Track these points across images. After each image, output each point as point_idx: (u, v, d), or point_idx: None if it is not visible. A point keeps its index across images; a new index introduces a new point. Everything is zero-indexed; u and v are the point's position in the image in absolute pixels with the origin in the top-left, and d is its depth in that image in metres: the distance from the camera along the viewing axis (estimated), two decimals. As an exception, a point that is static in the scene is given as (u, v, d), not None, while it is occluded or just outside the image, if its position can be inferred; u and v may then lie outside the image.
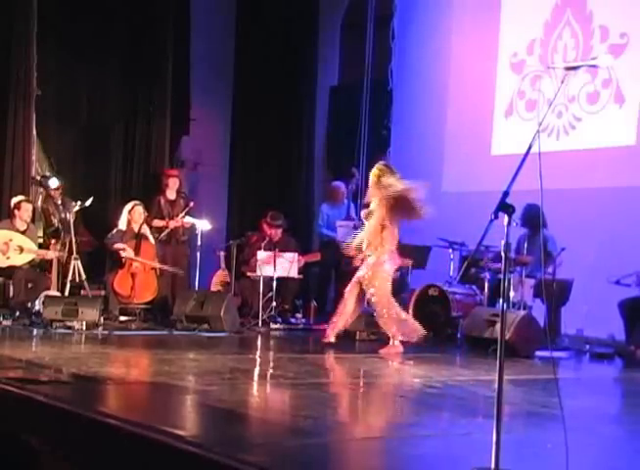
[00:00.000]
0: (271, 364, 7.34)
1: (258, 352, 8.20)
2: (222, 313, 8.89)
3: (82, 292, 9.58)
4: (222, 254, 10.98)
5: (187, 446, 3.68)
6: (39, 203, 10.76)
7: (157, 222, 10.33)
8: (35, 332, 8.40)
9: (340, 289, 8.43)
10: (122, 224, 9.81)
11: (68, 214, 9.77)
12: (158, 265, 9.70)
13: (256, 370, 6.86)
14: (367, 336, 8.85)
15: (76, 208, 9.90)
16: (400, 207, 7.75)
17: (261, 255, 9.84)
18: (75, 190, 10.77)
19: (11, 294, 9.23)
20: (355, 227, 10.58)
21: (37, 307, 9.07)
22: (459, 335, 8.81)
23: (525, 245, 8.87)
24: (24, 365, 6.04)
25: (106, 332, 8.51)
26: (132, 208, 9.87)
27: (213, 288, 10.76)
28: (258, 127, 12.77)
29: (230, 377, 6.05)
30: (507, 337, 7.35)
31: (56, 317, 8.52)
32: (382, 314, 7.83)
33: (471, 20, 11.56)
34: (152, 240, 9.88)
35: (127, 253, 9.63)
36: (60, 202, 10.27)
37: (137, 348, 7.93)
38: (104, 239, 9.97)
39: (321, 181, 12.74)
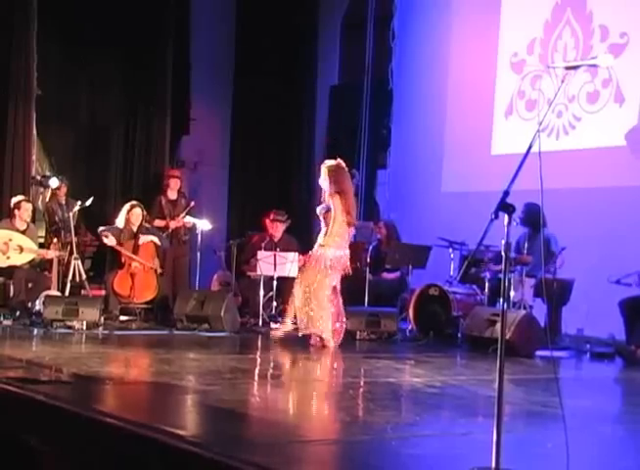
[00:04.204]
0: (271, 364, 7.34)
1: (259, 352, 8.20)
2: (222, 313, 8.89)
3: (82, 292, 9.58)
4: (223, 253, 10.98)
5: (187, 446, 3.68)
6: (40, 202, 10.79)
7: (158, 222, 10.33)
8: (36, 332, 8.40)
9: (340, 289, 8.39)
10: (120, 223, 9.81)
11: (68, 214, 9.78)
12: (139, 260, 9.61)
13: (257, 370, 6.86)
14: (367, 335, 8.86)
15: (77, 208, 9.91)
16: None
17: (262, 254, 9.83)
18: (76, 190, 10.77)
19: (11, 294, 9.22)
20: (355, 227, 10.58)
21: (37, 307, 9.07)
22: (459, 335, 8.80)
23: (526, 244, 8.87)
24: (25, 365, 6.04)
25: (106, 332, 8.50)
26: (131, 208, 9.86)
27: (214, 288, 10.76)
28: (259, 127, 12.77)
29: (230, 377, 6.04)
30: (507, 336, 7.35)
31: (56, 317, 8.52)
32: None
33: (471, 19, 11.56)
34: (156, 241, 9.84)
35: (109, 240, 9.59)
36: (64, 202, 10.29)
37: (137, 347, 7.93)
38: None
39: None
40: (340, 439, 4.31)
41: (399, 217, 11.10)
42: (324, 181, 7.98)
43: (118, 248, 9.62)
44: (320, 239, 7.99)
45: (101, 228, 9.80)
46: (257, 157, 12.96)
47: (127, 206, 9.91)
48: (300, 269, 8.40)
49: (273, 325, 8.75)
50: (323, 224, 8.05)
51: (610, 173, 9.75)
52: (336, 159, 8.18)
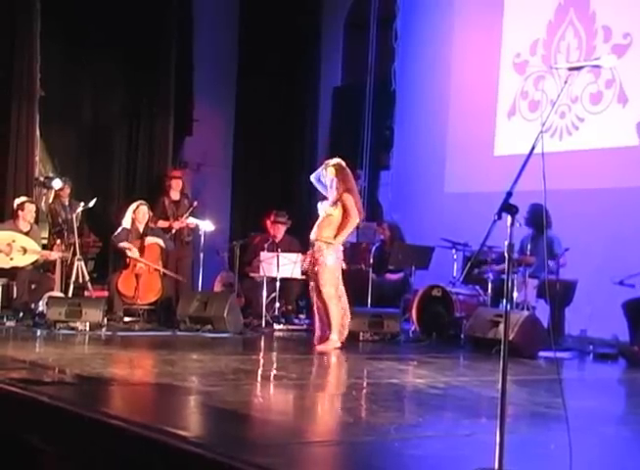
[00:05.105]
0: (274, 365, 7.33)
1: (262, 353, 8.20)
2: (225, 314, 8.89)
3: (85, 293, 9.59)
4: (226, 254, 10.99)
5: (190, 447, 3.68)
6: (43, 203, 10.80)
7: (161, 223, 10.33)
8: (39, 333, 8.40)
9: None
10: (127, 223, 9.82)
11: (72, 215, 9.80)
12: (161, 269, 9.68)
13: (260, 371, 6.86)
14: (370, 336, 8.85)
15: (80, 209, 9.92)
16: None
17: (264, 255, 9.84)
18: (79, 191, 10.78)
19: (14, 295, 9.24)
20: (357, 228, 10.60)
21: (41, 308, 9.08)
22: (462, 336, 8.79)
23: (529, 245, 8.86)
24: (28, 366, 6.05)
25: (109, 333, 8.51)
26: (137, 207, 9.88)
27: (217, 289, 10.76)
28: (261, 128, 12.78)
29: (233, 378, 6.04)
30: (510, 337, 7.34)
31: (59, 318, 8.52)
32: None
33: (473, 20, 11.56)
34: (161, 242, 9.84)
35: (133, 252, 9.63)
36: (67, 203, 10.31)
37: (141, 348, 7.93)
38: (110, 238, 9.98)
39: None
40: (342, 440, 4.30)
41: (402, 218, 11.09)
42: (330, 181, 7.91)
43: (141, 259, 9.60)
44: (327, 238, 7.84)
45: (113, 237, 9.80)
46: (260, 158, 12.98)
47: (133, 205, 9.93)
48: (316, 272, 7.91)
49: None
50: (323, 221, 7.90)
51: (613, 174, 9.75)
52: (334, 158, 8.17)
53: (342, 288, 7.95)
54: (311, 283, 8.02)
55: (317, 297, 7.90)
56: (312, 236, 7.92)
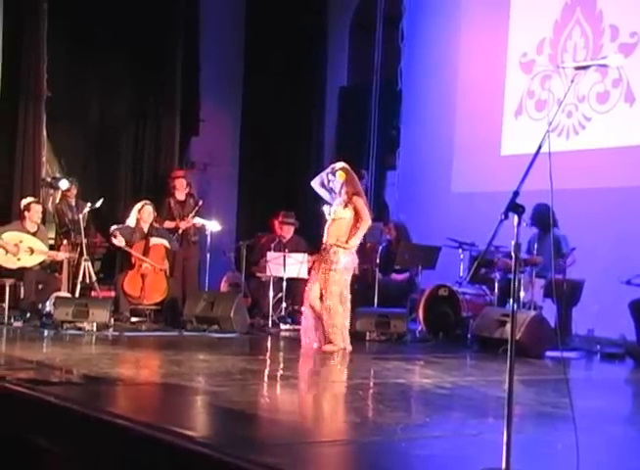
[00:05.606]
0: (281, 365, 7.34)
1: (268, 353, 8.20)
2: (232, 314, 8.90)
3: (92, 293, 9.60)
4: (232, 254, 10.99)
5: (197, 447, 3.68)
6: (50, 203, 10.83)
7: (167, 224, 10.33)
8: (46, 333, 8.41)
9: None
10: (131, 222, 9.82)
11: (78, 215, 9.81)
12: (149, 261, 9.60)
13: (266, 371, 6.86)
14: (377, 336, 8.85)
15: (87, 209, 9.93)
16: None
17: (271, 255, 9.84)
18: (86, 191, 10.79)
19: (21, 295, 9.26)
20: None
21: (48, 309, 9.09)
22: (469, 335, 8.79)
23: (536, 245, 8.85)
24: (35, 366, 6.06)
25: (116, 333, 8.52)
26: (142, 206, 9.88)
27: (223, 289, 10.76)
28: (268, 128, 12.79)
29: (240, 378, 6.05)
30: (517, 337, 7.32)
31: (66, 318, 8.53)
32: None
33: (480, 20, 11.54)
34: (166, 243, 9.82)
35: (119, 241, 9.60)
36: (74, 203, 10.32)
37: (147, 349, 7.94)
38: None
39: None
40: (349, 440, 4.31)
41: (409, 218, 11.09)
42: (340, 185, 7.87)
43: (127, 249, 9.64)
44: (341, 242, 7.79)
45: (113, 227, 9.80)
46: (267, 158, 12.98)
47: (138, 205, 9.93)
48: (327, 271, 7.82)
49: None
50: (332, 224, 7.89)
51: (620, 174, 9.72)
52: (340, 160, 8.16)
53: (346, 293, 7.92)
54: (309, 284, 7.98)
55: (319, 299, 7.85)
56: (326, 240, 7.88)
